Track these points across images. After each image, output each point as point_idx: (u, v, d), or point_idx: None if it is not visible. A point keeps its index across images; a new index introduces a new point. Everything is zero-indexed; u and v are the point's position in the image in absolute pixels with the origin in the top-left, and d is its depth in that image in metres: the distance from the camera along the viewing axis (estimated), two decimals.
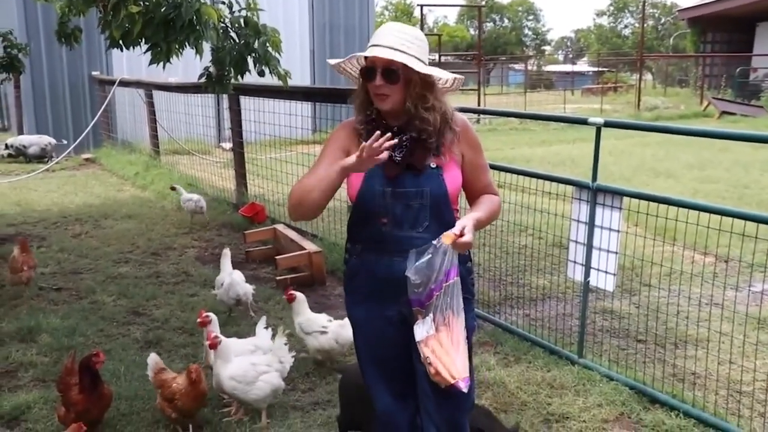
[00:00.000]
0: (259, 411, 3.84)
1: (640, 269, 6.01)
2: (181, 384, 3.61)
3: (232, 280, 5.37)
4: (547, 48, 77.93)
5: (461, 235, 2.46)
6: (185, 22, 3.78)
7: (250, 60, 4.71)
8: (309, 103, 8.61)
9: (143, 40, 4.07)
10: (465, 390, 2.49)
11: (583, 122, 4.43)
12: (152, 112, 12.11)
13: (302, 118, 7.75)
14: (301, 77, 15.93)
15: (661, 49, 57.97)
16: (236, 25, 4.67)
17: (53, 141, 13.60)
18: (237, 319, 5.35)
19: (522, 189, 5.11)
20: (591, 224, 4.33)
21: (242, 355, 3.89)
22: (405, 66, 2.50)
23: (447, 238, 2.44)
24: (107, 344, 4.88)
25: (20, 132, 14.62)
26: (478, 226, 2.62)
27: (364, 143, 2.43)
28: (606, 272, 4.28)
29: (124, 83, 12.83)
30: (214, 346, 3.76)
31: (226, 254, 5.59)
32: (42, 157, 13.24)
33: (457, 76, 2.69)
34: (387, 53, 2.49)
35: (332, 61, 2.71)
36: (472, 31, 63.84)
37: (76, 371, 3.66)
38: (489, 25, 69.85)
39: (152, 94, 11.96)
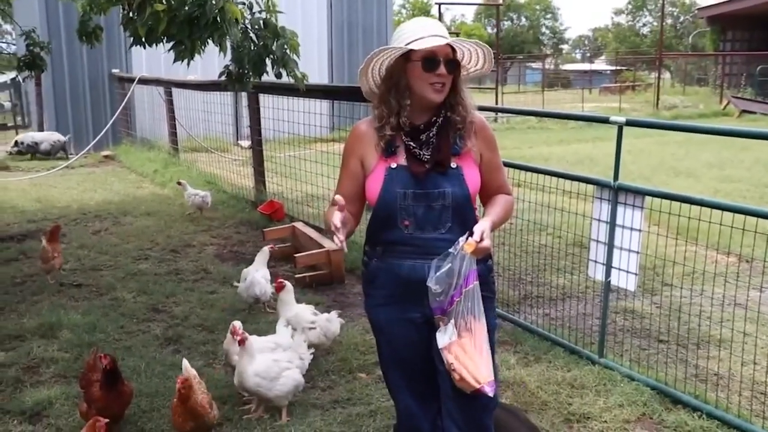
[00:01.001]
0: (280, 408, 3.84)
1: (661, 269, 5.95)
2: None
3: (253, 278, 5.38)
4: (565, 47, 77.58)
5: (481, 240, 2.44)
6: (209, 19, 3.79)
7: (268, 62, 4.72)
8: (327, 101, 8.62)
9: (166, 38, 4.09)
10: (491, 394, 2.48)
11: (605, 121, 4.39)
12: (171, 110, 12.18)
13: (321, 116, 7.75)
14: (319, 75, 15.95)
15: (680, 47, 57.59)
16: (256, 26, 4.68)
17: (63, 138, 13.72)
18: (256, 316, 5.36)
19: (542, 188, 5.08)
20: (612, 223, 4.29)
21: (263, 353, 3.90)
22: (456, 56, 2.55)
23: (469, 246, 2.42)
24: (127, 341, 4.91)
25: (40, 129, 14.75)
26: (493, 228, 2.61)
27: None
28: (627, 272, 4.25)
29: (143, 81, 12.90)
30: (242, 342, 3.76)
31: (263, 252, 5.60)
32: (52, 153, 13.35)
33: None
34: (461, 42, 2.55)
35: (379, 52, 2.60)
36: (489, 30, 63.67)
37: (98, 368, 3.68)
38: (506, 24, 69.62)
39: (171, 91, 12.02)
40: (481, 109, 5.92)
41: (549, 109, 22.98)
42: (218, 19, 3.80)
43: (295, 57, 4.68)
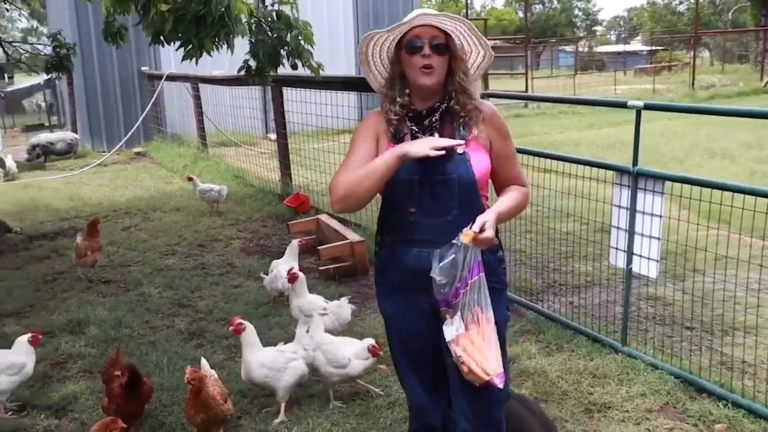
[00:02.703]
0: (280, 403, 3.86)
1: (686, 254, 5.82)
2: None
3: (277, 272, 5.41)
4: (599, 28, 76.35)
5: (481, 231, 2.41)
6: (215, 17, 3.79)
7: (283, 53, 4.72)
8: (353, 92, 8.60)
9: (179, 36, 4.11)
10: (500, 386, 2.46)
11: (623, 105, 4.31)
12: (198, 105, 12.28)
13: (346, 108, 7.74)
14: (346, 67, 15.93)
15: (719, 24, 56.20)
16: (269, 19, 4.69)
17: (77, 136, 13.92)
18: (279, 309, 5.38)
19: (569, 174, 5.00)
20: (633, 209, 4.22)
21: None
22: (450, 40, 2.55)
23: (465, 236, 2.40)
24: (152, 336, 4.98)
25: (74, 128, 14.99)
26: (501, 219, 2.57)
27: (438, 140, 2.47)
28: (649, 258, 4.18)
29: (171, 77, 13.03)
30: (238, 332, 3.82)
31: (292, 245, 5.64)
32: (68, 152, 13.56)
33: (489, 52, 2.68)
34: (440, 20, 2.52)
35: (374, 34, 2.65)
36: (521, 14, 62.92)
37: (121, 364, 3.73)
38: (538, 7, 68.74)
39: (198, 87, 12.12)
40: (491, 95, 5.87)
41: (581, 92, 22.71)
42: (224, 16, 3.81)
43: (309, 47, 4.68)
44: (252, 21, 4.45)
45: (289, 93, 8.78)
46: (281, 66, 4.95)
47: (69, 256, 6.44)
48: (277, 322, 5.11)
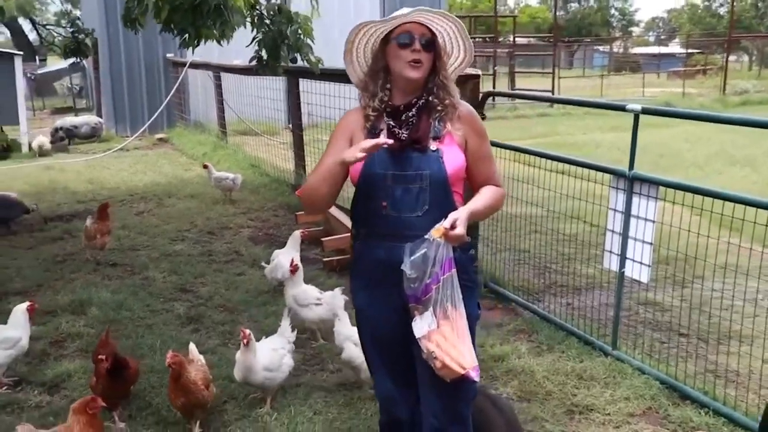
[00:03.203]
0: (265, 397, 3.90)
1: (686, 261, 5.77)
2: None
3: (278, 262, 5.47)
4: (635, 29, 75.34)
5: (453, 228, 2.44)
6: (211, 7, 3.85)
7: (284, 47, 4.78)
8: None
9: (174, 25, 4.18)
10: (476, 378, 2.48)
11: (621, 109, 4.29)
12: (219, 94, 12.40)
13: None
14: None
15: (761, 28, 55.11)
16: (271, 12, 4.74)
17: (101, 120, 14.10)
18: (278, 299, 5.43)
19: (580, 178, 4.95)
20: (627, 213, 4.21)
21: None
22: (435, 37, 2.60)
23: (437, 232, 2.43)
24: (151, 319, 5.07)
25: (99, 112, 15.21)
26: (474, 218, 2.60)
27: (364, 141, 2.52)
28: (641, 263, 4.17)
29: (194, 65, 13.15)
30: (248, 343, 3.77)
31: (294, 236, 5.69)
32: (92, 136, 13.75)
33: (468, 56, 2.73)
34: (433, 18, 2.59)
35: (365, 25, 2.67)
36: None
37: (108, 348, 3.82)
38: (574, 6, 68.05)
39: (220, 76, 12.22)
40: (490, 94, 5.83)
41: (608, 94, 22.52)
42: (221, 7, 3.86)
43: (309, 41, 4.72)
44: (255, 13, 4.51)
45: (308, 84, 8.79)
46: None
47: (81, 238, 6.57)
48: (275, 311, 5.16)
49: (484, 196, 2.70)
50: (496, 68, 22.36)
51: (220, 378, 4.06)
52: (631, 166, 4.20)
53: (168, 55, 14.89)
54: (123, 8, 6.49)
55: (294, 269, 4.74)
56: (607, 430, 3.69)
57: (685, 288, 5.44)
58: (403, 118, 2.64)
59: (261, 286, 5.70)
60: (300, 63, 4.90)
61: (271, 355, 3.85)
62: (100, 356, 3.64)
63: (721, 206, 3.77)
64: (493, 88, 21.37)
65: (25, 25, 30.97)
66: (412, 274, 2.48)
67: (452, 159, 2.61)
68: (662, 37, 69.97)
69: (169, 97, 13.67)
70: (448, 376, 2.51)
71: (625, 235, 4.24)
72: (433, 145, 2.60)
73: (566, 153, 10.53)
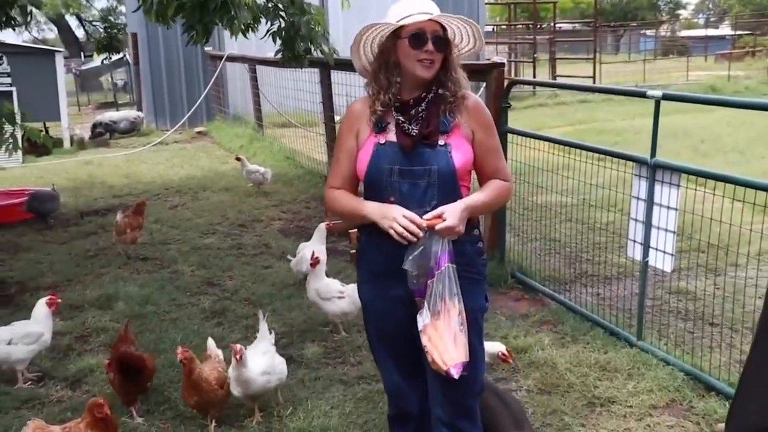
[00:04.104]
0: (253, 408, 3.76)
1: (727, 248, 5.60)
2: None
3: (303, 255, 5.47)
4: (683, 12, 73.53)
5: (440, 219, 2.42)
6: (218, 3, 3.84)
7: (298, 39, 4.77)
8: None
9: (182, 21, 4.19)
10: (456, 377, 2.46)
11: (642, 95, 4.18)
12: (255, 87, 12.46)
13: None
14: None
15: None
16: (284, 5, 4.72)
17: (141, 114, 14.29)
18: (302, 292, 5.42)
19: (616, 169, 4.83)
20: (650, 201, 4.10)
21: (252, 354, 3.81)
22: (446, 32, 2.54)
23: (426, 222, 2.42)
24: (175, 313, 5.12)
25: (139, 106, 15.44)
26: (474, 211, 2.58)
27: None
28: (664, 252, 4.05)
29: (231, 58, 13.24)
30: (241, 359, 3.58)
31: (320, 228, 5.67)
32: (132, 130, 13.96)
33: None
34: (448, 19, 2.54)
35: (369, 28, 2.62)
36: None
37: (131, 339, 3.87)
38: None
39: (255, 68, 12.28)
40: (515, 82, 5.76)
41: (652, 79, 22.03)
42: (228, 2, 3.85)
43: (322, 32, 4.70)
44: (269, 6, 4.49)
45: (341, 76, 8.72)
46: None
47: (112, 233, 6.67)
48: (298, 304, 5.18)
49: (486, 191, 2.66)
50: (536, 55, 22.01)
51: None
52: (653, 153, 4.08)
53: (206, 48, 15.01)
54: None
55: (315, 262, 4.73)
56: (628, 422, 3.60)
57: (718, 276, 5.30)
58: (413, 113, 2.59)
59: (287, 279, 5.71)
60: (315, 54, 4.88)
61: (263, 359, 3.72)
62: (105, 361, 3.69)
63: (754, 194, 3.65)
64: (534, 75, 21.12)
65: (72, 21, 31.68)
66: (413, 271, 2.50)
67: (460, 153, 2.58)
68: (712, 19, 68.21)
69: (207, 90, 13.80)
70: (438, 370, 2.50)
71: (648, 224, 4.13)
72: (441, 140, 2.57)
73: (599, 140, 10.44)
